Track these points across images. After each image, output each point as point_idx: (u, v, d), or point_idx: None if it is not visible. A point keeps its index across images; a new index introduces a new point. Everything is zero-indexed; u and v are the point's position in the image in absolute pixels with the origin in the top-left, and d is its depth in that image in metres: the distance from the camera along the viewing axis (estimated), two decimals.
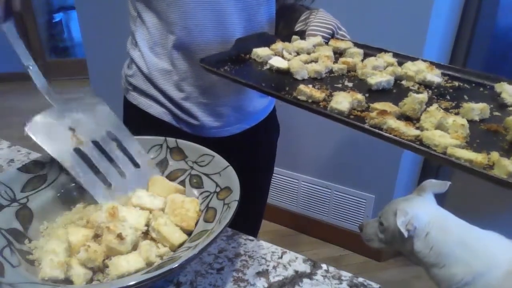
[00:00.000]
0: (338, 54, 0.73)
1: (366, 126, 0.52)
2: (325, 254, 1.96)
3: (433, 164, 1.82)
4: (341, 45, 0.73)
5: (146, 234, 0.51)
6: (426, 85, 0.64)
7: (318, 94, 0.57)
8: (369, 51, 0.74)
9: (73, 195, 0.59)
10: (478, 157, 0.44)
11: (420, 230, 0.85)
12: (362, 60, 0.70)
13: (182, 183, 0.60)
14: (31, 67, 0.58)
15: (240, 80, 0.62)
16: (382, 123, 0.51)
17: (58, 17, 4.47)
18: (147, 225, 0.52)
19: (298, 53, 0.72)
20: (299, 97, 0.57)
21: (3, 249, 0.47)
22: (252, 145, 0.92)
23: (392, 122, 0.50)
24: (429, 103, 0.57)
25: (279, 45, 0.72)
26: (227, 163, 0.57)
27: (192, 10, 0.71)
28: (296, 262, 0.57)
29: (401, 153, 1.65)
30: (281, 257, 0.58)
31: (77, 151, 0.57)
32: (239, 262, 0.56)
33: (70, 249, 0.48)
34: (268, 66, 0.68)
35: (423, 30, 1.44)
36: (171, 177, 0.61)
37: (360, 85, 0.64)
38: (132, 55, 0.81)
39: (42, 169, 0.58)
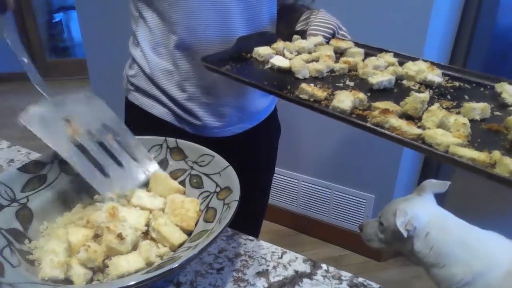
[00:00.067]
0: (339, 53, 0.73)
1: (368, 124, 0.52)
2: (325, 254, 1.96)
3: (433, 164, 1.82)
4: (342, 44, 0.73)
5: (146, 234, 0.51)
6: (427, 85, 0.64)
7: (320, 93, 0.57)
8: (370, 51, 0.74)
9: (73, 195, 0.59)
10: (480, 156, 0.44)
11: (420, 230, 0.85)
12: (363, 60, 0.70)
13: (182, 183, 0.60)
14: (25, 60, 0.58)
15: (243, 79, 0.62)
16: (384, 121, 0.51)
17: (58, 17, 4.46)
18: (147, 225, 0.52)
19: (299, 53, 0.72)
20: (301, 96, 0.57)
21: (3, 249, 0.47)
22: (254, 145, 0.92)
23: (394, 121, 0.50)
24: (430, 102, 0.57)
25: (280, 44, 0.72)
26: (227, 163, 0.57)
27: (195, 10, 0.71)
28: (296, 262, 0.57)
29: (401, 153, 1.65)
30: (281, 257, 0.58)
31: (74, 141, 0.56)
32: (239, 262, 0.56)
33: (70, 249, 0.48)
34: (269, 65, 0.67)
35: (423, 30, 1.44)
36: (171, 177, 0.61)
37: (361, 84, 0.64)
38: (134, 55, 0.81)
39: (42, 169, 0.58)
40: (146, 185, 0.60)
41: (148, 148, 0.63)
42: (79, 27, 2.17)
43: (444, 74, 0.67)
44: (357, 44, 0.75)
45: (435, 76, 0.65)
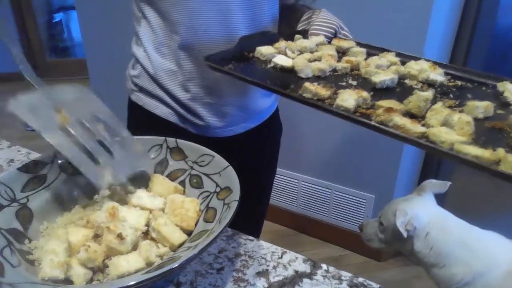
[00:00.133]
0: (341, 53, 0.73)
1: (373, 123, 0.51)
2: (325, 254, 1.96)
3: (433, 164, 1.82)
4: (344, 44, 0.73)
5: (146, 234, 0.51)
6: (429, 83, 0.64)
7: (323, 92, 0.57)
8: (372, 50, 0.74)
9: (73, 195, 0.58)
10: (485, 153, 0.44)
11: (420, 230, 0.85)
12: (365, 59, 0.70)
13: (182, 183, 0.60)
14: (16, 51, 0.57)
15: (246, 78, 0.62)
16: (388, 120, 0.51)
17: (58, 17, 4.46)
18: (147, 225, 0.52)
19: (301, 52, 0.72)
20: (304, 94, 0.57)
21: (3, 249, 0.47)
22: (256, 144, 0.92)
23: (398, 119, 0.50)
24: (432, 101, 0.57)
25: (282, 43, 0.72)
26: (227, 163, 0.57)
27: (197, 10, 0.70)
28: (296, 262, 0.57)
29: (401, 153, 1.65)
30: (281, 257, 0.57)
31: (63, 129, 0.54)
32: (239, 262, 0.56)
33: (70, 249, 0.48)
34: (272, 64, 0.67)
35: (423, 30, 1.44)
36: (171, 177, 0.61)
37: (364, 83, 0.64)
38: (137, 56, 0.81)
39: (42, 169, 0.58)
40: (137, 178, 0.59)
41: (148, 148, 0.63)
42: (79, 27, 2.17)
43: (446, 73, 0.67)
44: (359, 44, 0.75)
45: (437, 75, 0.65)
